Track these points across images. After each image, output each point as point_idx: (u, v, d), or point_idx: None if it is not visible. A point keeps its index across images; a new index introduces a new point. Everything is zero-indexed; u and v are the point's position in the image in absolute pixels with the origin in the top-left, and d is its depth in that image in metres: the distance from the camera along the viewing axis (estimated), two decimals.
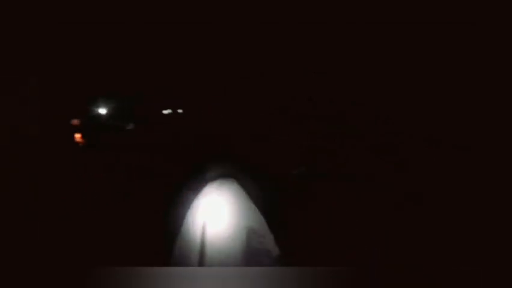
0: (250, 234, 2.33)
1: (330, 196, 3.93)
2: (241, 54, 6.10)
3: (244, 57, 6.10)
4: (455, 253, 2.86)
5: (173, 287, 1.97)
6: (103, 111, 6.51)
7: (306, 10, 5.50)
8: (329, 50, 5.75)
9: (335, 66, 5.76)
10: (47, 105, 4.75)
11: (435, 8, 4.94)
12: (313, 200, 3.91)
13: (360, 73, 5.61)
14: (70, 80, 5.44)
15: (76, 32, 5.26)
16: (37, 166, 4.29)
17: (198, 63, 6.30)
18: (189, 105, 6.57)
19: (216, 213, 2.37)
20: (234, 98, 6.16)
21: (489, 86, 4.71)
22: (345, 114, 5.52)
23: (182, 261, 2.31)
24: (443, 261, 2.78)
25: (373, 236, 3.19)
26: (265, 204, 2.44)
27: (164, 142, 5.83)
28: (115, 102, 6.60)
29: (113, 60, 6.02)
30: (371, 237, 3.16)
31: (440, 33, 5.05)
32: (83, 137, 5.99)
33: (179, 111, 6.71)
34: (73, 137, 5.87)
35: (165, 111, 6.73)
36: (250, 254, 2.29)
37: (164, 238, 2.44)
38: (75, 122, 6.02)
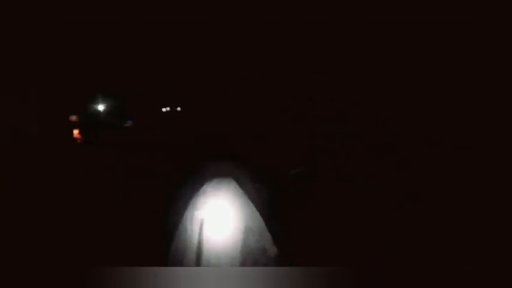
0: (248, 234, 2.34)
1: (330, 196, 3.93)
2: (241, 54, 6.10)
3: (244, 57, 6.10)
4: (455, 253, 2.86)
5: (171, 286, 1.97)
6: (101, 108, 6.52)
7: (306, 10, 5.50)
8: (329, 50, 5.75)
9: (335, 66, 5.77)
10: (47, 103, 4.75)
11: (435, 8, 4.94)
12: (313, 200, 3.91)
13: (360, 73, 5.61)
14: (70, 77, 5.44)
15: (77, 31, 5.27)
16: (37, 166, 4.29)
17: (198, 63, 6.30)
18: (188, 104, 6.58)
19: (214, 213, 2.37)
20: (233, 98, 6.16)
21: (489, 86, 4.71)
22: (345, 114, 5.52)
23: (179, 260, 2.32)
24: (443, 261, 2.78)
25: (373, 236, 3.19)
26: (264, 203, 2.44)
27: (163, 140, 5.83)
28: (114, 99, 6.61)
29: (113, 59, 6.03)
30: (371, 237, 3.16)
31: (440, 33, 5.05)
32: (80, 133, 6.00)
33: (178, 109, 6.73)
34: (72, 135, 5.88)
35: (164, 109, 6.75)
36: (247, 253, 2.29)
37: (162, 238, 2.45)
38: (73, 118, 6.03)
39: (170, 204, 2.53)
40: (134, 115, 6.59)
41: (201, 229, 2.30)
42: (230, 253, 2.28)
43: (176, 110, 6.70)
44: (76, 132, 5.84)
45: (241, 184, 2.46)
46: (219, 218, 2.36)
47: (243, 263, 2.29)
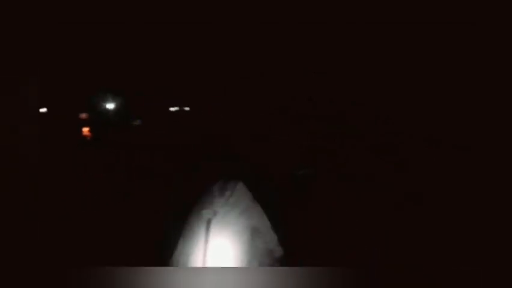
0: (254, 234, 2.33)
1: (330, 196, 3.93)
2: (242, 55, 6.11)
3: (244, 58, 6.10)
4: (455, 253, 2.86)
5: (176, 286, 1.97)
6: (111, 107, 6.56)
7: (306, 10, 5.51)
8: (329, 50, 5.76)
9: (335, 66, 5.77)
10: (52, 102, 4.76)
11: (435, 8, 4.94)
12: (313, 200, 3.91)
13: (360, 73, 5.62)
14: (81, 77, 5.47)
15: (89, 31, 5.30)
16: (37, 166, 4.29)
17: (198, 62, 6.31)
18: (197, 104, 6.59)
19: (221, 213, 2.37)
20: (233, 98, 6.16)
21: (489, 86, 4.71)
22: (345, 114, 5.52)
23: (186, 260, 2.31)
24: (443, 261, 2.78)
25: (373, 236, 3.19)
26: (270, 204, 2.44)
27: (168, 140, 5.84)
28: (123, 98, 6.65)
29: (124, 58, 6.06)
30: (371, 237, 3.16)
31: (440, 33, 5.06)
32: (90, 131, 6.04)
33: (186, 109, 6.76)
34: (78, 133, 5.91)
35: (172, 109, 6.79)
36: (253, 253, 2.29)
37: (166, 238, 2.45)
38: (83, 116, 6.07)
39: (176, 204, 2.53)
40: (143, 114, 6.64)
41: (207, 229, 2.30)
42: (236, 253, 2.27)
43: (184, 109, 6.74)
44: (85, 129, 5.89)
45: (248, 185, 2.45)
46: (226, 218, 2.36)
47: (248, 264, 2.29)
